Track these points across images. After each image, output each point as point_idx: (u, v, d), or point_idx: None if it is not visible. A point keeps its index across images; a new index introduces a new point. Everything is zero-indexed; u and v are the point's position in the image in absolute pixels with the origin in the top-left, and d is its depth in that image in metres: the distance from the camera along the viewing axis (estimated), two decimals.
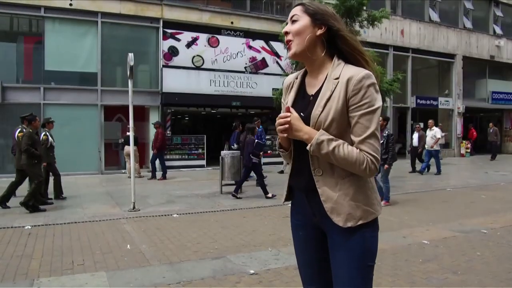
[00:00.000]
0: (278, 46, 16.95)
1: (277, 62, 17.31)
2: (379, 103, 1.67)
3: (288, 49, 1.78)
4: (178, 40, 15.40)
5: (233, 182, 10.05)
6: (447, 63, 22.01)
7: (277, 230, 6.13)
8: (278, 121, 1.70)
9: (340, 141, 1.64)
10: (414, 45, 20.30)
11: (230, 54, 16.39)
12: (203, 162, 16.10)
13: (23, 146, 7.60)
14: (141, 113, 15.46)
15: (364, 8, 10.80)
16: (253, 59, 16.88)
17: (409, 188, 10.45)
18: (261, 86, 16.56)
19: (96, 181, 12.42)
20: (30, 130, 7.83)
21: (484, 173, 14.00)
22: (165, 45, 15.15)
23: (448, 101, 21.59)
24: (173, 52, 15.33)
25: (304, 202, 1.84)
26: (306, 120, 1.71)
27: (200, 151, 16.10)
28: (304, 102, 1.80)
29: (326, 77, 1.75)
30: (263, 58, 17.11)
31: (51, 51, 13.62)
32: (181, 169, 15.23)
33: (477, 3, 22.80)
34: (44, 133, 8.93)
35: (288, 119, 1.68)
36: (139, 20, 14.77)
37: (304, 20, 1.74)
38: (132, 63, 7.85)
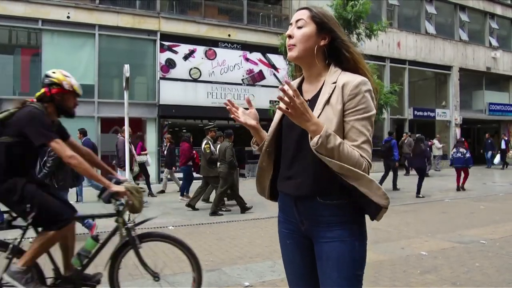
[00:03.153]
0: (275, 58, 17.03)
1: (274, 74, 17.35)
2: (374, 109, 1.66)
3: (289, 51, 1.76)
4: (175, 52, 15.45)
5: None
6: (444, 75, 22.12)
7: (274, 242, 6.02)
8: (284, 93, 1.49)
9: (341, 140, 1.59)
10: (411, 57, 20.41)
11: (227, 66, 16.43)
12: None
13: (227, 157, 8.38)
14: (138, 125, 15.42)
15: (362, 20, 10.85)
16: (250, 71, 16.92)
17: (407, 199, 10.37)
18: (258, 98, 16.53)
19: (91, 193, 12.27)
20: (230, 143, 8.68)
21: (482, 184, 13.95)
22: (162, 57, 15.18)
23: (445, 112, 21.65)
24: (170, 64, 15.36)
25: (292, 209, 1.79)
26: None
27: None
28: None
29: (323, 83, 1.74)
30: (260, 70, 17.15)
31: (48, 63, 13.57)
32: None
33: (472, 15, 23.03)
34: (206, 141, 9.22)
35: (299, 100, 1.49)
36: (137, 32, 14.83)
37: (309, 28, 1.72)
38: (128, 74, 7.82)
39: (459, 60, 22.07)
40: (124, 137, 9.84)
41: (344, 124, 1.64)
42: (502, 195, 11.22)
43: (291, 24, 1.78)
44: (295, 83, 1.91)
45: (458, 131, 21.72)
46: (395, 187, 12.12)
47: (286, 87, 1.54)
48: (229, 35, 16.36)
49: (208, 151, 8.92)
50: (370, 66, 10.59)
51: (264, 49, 16.98)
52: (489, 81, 23.96)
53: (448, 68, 21.82)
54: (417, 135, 13.25)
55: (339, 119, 1.63)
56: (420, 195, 10.60)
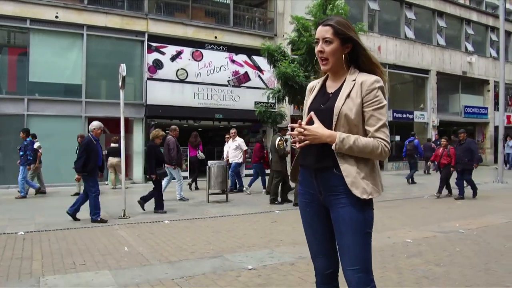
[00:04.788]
0: (260, 60, 17.34)
1: (259, 76, 17.71)
2: (386, 101, 2.07)
3: (322, 64, 2.16)
4: (163, 53, 15.64)
5: (220, 191, 10.27)
6: (422, 79, 22.86)
7: (267, 233, 6.38)
8: (296, 138, 2.06)
9: (356, 135, 2.01)
10: (391, 61, 21.02)
11: (214, 67, 16.70)
12: (186, 173, 16.19)
13: None
14: (125, 125, 15.47)
15: None
16: (236, 72, 17.23)
17: (388, 196, 10.82)
18: (243, 99, 16.90)
19: (80, 191, 12.40)
20: None
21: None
22: (149, 58, 15.36)
23: (423, 114, 22.38)
24: (157, 65, 15.55)
25: (312, 181, 2.16)
26: (326, 111, 2.08)
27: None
28: (324, 98, 2.19)
29: (344, 80, 2.14)
30: (246, 72, 17.47)
31: (36, 63, 13.66)
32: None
33: (449, 21, 23.90)
34: (279, 139, 9.85)
35: (307, 131, 2.02)
36: (125, 33, 14.95)
37: (336, 43, 2.11)
38: (124, 74, 8.07)
39: (436, 64, 22.85)
40: (174, 136, 10.23)
41: (364, 113, 2.05)
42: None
43: (317, 39, 2.15)
44: (320, 80, 2.30)
45: (434, 133, 22.47)
46: (412, 181, 14.07)
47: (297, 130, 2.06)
48: (215, 37, 16.63)
49: (282, 147, 9.67)
50: None
51: (250, 51, 17.32)
52: (464, 85, 24.88)
53: (426, 72, 22.58)
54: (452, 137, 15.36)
55: (358, 109, 2.04)
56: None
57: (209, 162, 10.49)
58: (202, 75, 16.40)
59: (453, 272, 4.23)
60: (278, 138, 9.82)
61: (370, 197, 2.04)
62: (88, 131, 7.84)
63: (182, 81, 15.98)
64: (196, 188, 12.67)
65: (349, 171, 2.03)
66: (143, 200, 8.60)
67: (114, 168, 13.30)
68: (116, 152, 13.30)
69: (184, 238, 6.02)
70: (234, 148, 12.01)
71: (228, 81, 17.02)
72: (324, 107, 2.12)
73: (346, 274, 2.07)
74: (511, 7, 26.02)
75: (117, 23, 14.68)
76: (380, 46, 20.66)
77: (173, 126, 10.66)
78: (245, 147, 12.05)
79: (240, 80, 17.33)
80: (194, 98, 16.08)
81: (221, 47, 16.88)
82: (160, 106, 15.26)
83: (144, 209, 8.49)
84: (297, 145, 2.07)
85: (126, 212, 7.99)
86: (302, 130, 2.03)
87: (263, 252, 5.15)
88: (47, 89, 13.90)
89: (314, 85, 2.34)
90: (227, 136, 12.55)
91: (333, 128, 2.05)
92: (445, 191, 10.80)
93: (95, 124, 7.93)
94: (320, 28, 2.15)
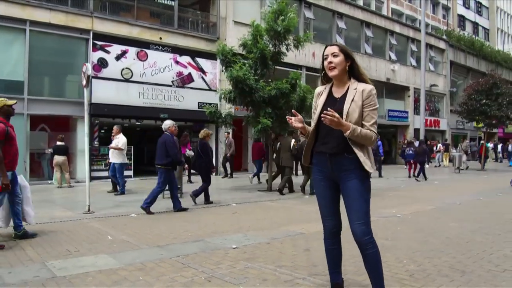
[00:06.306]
0: (203, 62, 18.03)
1: (202, 78, 18.26)
2: (377, 104, 2.92)
3: (330, 71, 2.94)
4: (108, 52, 15.67)
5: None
6: None
7: (234, 222, 7.05)
8: (329, 117, 2.68)
9: (360, 127, 2.82)
10: None
11: (158, 68, 16.98)
12: (131, 172, 16.31)
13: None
14: (68, 123, 15.42)
15: (290, 33, 12.22)
16: (180, 73, 17.63)
17: None
18: (187, 100, 17.38)
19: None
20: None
21: (386, 179, 16.19)
22: (94, 56, 15.32)
23: None
24: (102, 63, 15.55)
25: (326, 163, 2.97)
26: (337, 112, 2.80)
27: (127, 162, 16.30)
28: (332, 102, 2.97)
29: (347, 88, 2.96)
30: (189, 73, 17.94)
31: None
32: (108, 180, 15.28)
33: (376, 31, 26.06)
34: (294, 140, 11.76)
35: (337, 115, 2.70)
36: (69, 30, 14.79)
37: (341, 57, 2.94)
38: (89, 73, 8.32)
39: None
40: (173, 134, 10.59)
41: (363, 112, 2.88)
42: (404, 187, 13.40)
43: (327, 55, 2.96)
44: (326, 87, 3.09)
45: None
46: (380, 175, 16.91)
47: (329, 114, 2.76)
48: (160, 38, 16.92)
49: (295, 147, 11.43)
50: (294, 73, 12.10)
51: (193, 53, 17.84)
52: (388, 91, 27.22)
53: None
54: (420, 138, 19.07)
55: (360, 110, 2.87)
56: (419, 179, 15.53)
57: None
58: (146, 75, 16.62)
59: (399, 244, 5.23)
60: (293, 141, 11.69)
61: (371, 170, 2.89)
62: (164, 131, 8.48)
63: (127, 80, 16.10)
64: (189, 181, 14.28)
65: (360, 154, 2.88)
66: (194, 195, 9.24)
67: (60, 167, 13.20)
68: (61, 151, 13.22)
69: (159, 228, 6.52)
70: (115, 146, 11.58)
71: (172, 81, 17.38)
72: (335, 109, 2.85)
73: (353, 228, 2.88)
74: (429, 21, 28.77)
75: (61, 20, 14.50)
76: (314, 53, 22.01)
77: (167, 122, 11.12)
78: (122, 145, 11.48)
79: (184, 81, 17.77)
80: (139, 98, 16.29)
81: (165, 48, 17.21)
82: (105, 104, 15.28)
83: (195, 203, 9.17)
84: (325, 121, 2.72)
85: (90, 208, 8.22)
86: (334, 115, 2.69)
87: (239, 236, 5.84)
88: None
89: (321, 90, 3.14)
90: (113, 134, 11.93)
91: None
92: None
93: (169, 122, 8.60)
94: (328, 48, 2.98)
